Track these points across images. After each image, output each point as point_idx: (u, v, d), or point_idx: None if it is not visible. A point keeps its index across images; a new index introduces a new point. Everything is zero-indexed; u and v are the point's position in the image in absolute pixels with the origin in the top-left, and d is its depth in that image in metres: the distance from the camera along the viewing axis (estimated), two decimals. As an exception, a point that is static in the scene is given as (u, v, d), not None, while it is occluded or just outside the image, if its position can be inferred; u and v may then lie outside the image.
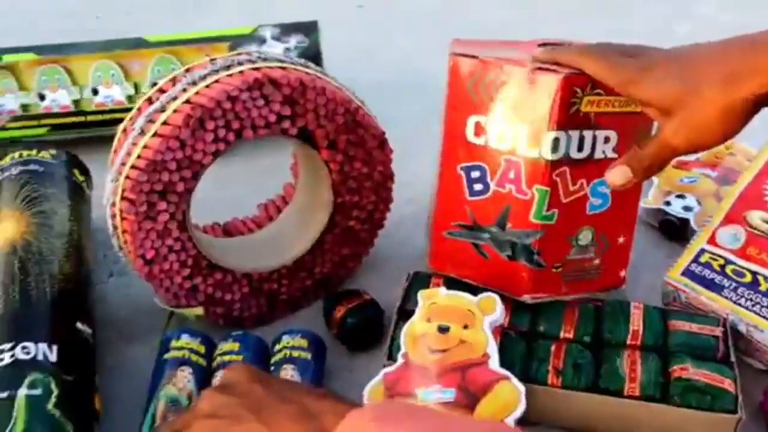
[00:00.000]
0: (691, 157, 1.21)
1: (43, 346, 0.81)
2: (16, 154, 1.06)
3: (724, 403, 0.84)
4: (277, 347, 0.89)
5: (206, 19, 1.68)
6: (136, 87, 1.27)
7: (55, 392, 0.78)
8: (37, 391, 0.77)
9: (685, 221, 1.11)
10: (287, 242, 0.99)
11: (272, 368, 0.87)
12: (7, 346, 0.81)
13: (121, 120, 1.06)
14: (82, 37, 1.31)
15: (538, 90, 0.86)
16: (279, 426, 0.65)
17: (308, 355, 0.88)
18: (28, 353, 0.80)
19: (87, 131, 1.27)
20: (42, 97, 1.26)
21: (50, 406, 0.77)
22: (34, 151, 1.07)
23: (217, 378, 0.85)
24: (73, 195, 1.04)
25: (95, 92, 1.26)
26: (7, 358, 0.80)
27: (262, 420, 0.66)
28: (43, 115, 1.26)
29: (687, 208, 1.13)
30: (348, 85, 0.95)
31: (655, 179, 1.18)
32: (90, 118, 1.27)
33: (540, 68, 0.86)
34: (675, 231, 1.11)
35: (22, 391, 0.77)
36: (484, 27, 1.11)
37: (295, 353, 0.88)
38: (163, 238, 0.87)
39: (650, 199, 1.16)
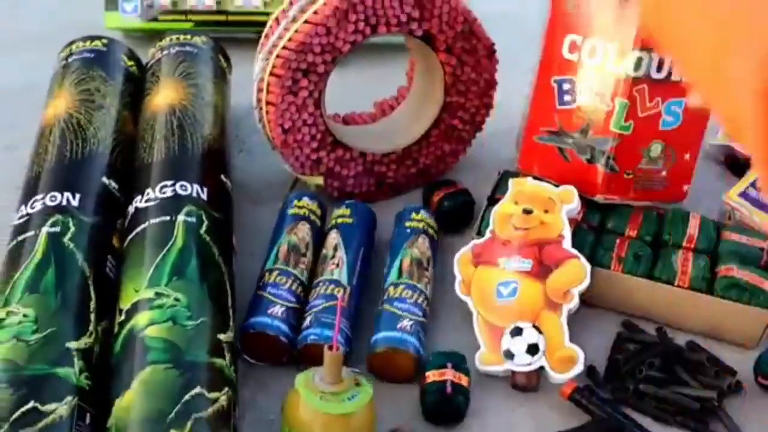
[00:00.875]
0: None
1: (196, 186, 0.99)
2: (174, 37, 1.24)
3: (761, 301, 0.98)
4: (415, 216, 1.05)
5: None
6: (273, -6, 1.43)
7: (206, 223, 0.96)
8: (192, 219, 0.95)
9: (748, 158, 1.23)
10: (399, 132, 1.15)
11: (408, 233, 1.03)
12: (169, 182, 0.99)
13: (256, 23, 1.23)
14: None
15: (629, 13, 1.00)
16: None
17: (435, 236, 1.05)
18: (185, 189, 0.98)
19: (226, 29, 1.44)
20: (190, -5, 1.44)
21: (202, 231, 0.95)
22: (188, 36, 1.25)
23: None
24: (217, 75, 1.22)
25: (240, -5, 1.43)
26: (169, 192, 0.98)
27: None
28: (190, 11, 1.44)
29: (753, 148, 1.25)
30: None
31: (727, 121, 1.31)
32: (230, 17, 1.44)
33: (634, -6, 1.00)
34: (738, 166, 1.24)
35: (181, 217, 0.95)
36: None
37: (431, 230, 1.04)
38: (300, 112, 1.04)
39: (719, 136, 1.28)
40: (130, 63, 1.23)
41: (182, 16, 1.44)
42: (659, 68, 1.02)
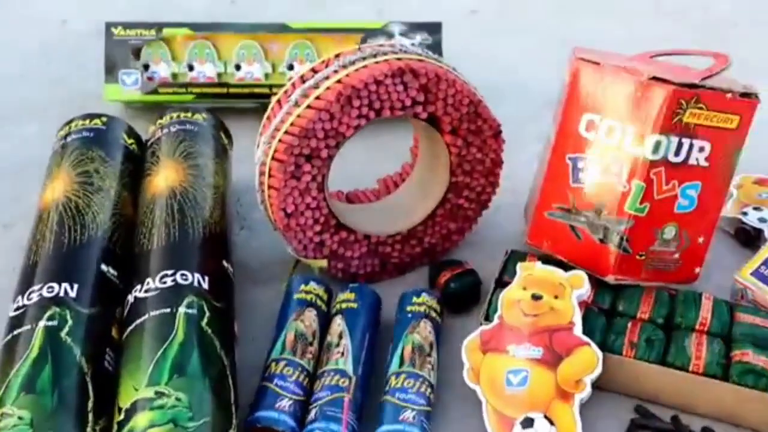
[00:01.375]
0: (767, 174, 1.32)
1: (197, 275, 0.97)
2: (174, 115, 1.23)
3: (779, 387, 0.95)
4: (417, 299, 1.03)
5: (334, 11, 1.81)
6: (274, 67, 1.42)
7: (207, 314, 0.94)
8: (193, 310, 0.93)
9: (759, 231, 1.21)
10: (404, 212, 1.13)
11: (410, 317, 1.01)
12: (170, 272, 0.97)
13: (257, 95, 1.22)
14: (224, 20, 1.47)
15: (649, 97, 0.99)
16: None
17: (438, 318, 1.03)
18: (186, 279, 0.96)
19: (227, 101, 1.43)
20: (191, 68, 1.43)
21: (203, 323, 0.92)
22: (189, 113, 1.23)
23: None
24: (219, 153, 1.20)
25: (238, 68, 1.43)
26: (169, 281, 0.96)
27: None
28: (190, 84, 1.43)
29: (762, 220, 1.23)
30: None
31: (734, 191, 1.29)
32: (231, 90, 1.43)
33: (654, 78, 0.99)
34: (749, 239, 1.22)
35: (182, 309, 0.92)
36: (586, 37, 1.24)
37: (433, 313, 1.02)
38: (303, 196, 1.02)
39: (729, 209, 1.27)
40: (130, 141, 1.22)
41: (183, 88, 1.43)
42: (677, 152, 1.01)
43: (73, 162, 1.13)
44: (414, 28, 1.43)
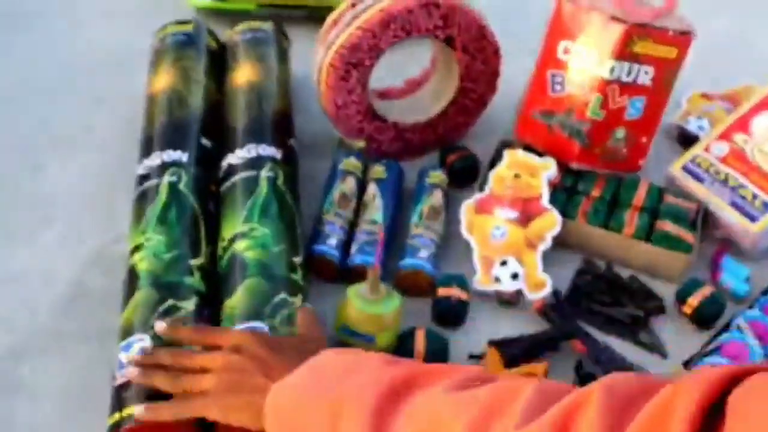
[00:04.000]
0: (716, 92, 1.67)
1: (273, 148, 1.34)
2: (246, 25, 1.57)
3: (684, 248, 1.33)
4: (432, 174, 1.40)
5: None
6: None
7: (281, 176, 1.31)
8: (272, 174, 1.30)
9: (696, 136, 1.57)
10: (424, 108, 1.49)
11: (427, 187, 1.38)
12: (253, 145, 1.33)
13: (308, 6, 1.57)
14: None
15: (609, 31, 1.33)
16: (277, 373, 0.94)
17: (446, 189, 1.40)
18: (264, 150, 1.33)
19: (284, 11, 1.76)
20: (255, -19, 1.76)
21: (279, 183, 1.29)
22: (258, 23, 1.58)
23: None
24: (282, 55, 1.55)
25: (293, -18, 1.76)
26: (253, 152, 1.32)
27: (265, 374, 0.95)
28: (254, -7, 1.77)
29: (700, 127, 1.59)
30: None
31: (683, 103, 1.64)
32: (288, 1, 1.76)
33: (614, 18, 1.33)
34: (687, 142, 1.57)
35: (263, 173, 1.29)
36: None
37: (443, 185, 1.39)
38: (350, 94, 1.38)
39: (676, 117, 1.62)
40: (212, 42, 1.56)
41: (248, -2, 1.76)
42: (628, 74, 1.36)
43: (172, 59, 1.47)
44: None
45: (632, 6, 1.38)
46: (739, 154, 1.44)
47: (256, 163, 1.31)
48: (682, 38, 1.36)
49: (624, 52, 1.34)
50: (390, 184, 1.38)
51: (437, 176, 1.39)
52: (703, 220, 1.40)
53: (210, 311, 1.16)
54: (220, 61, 1.55)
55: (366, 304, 1.16)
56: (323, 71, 1.38)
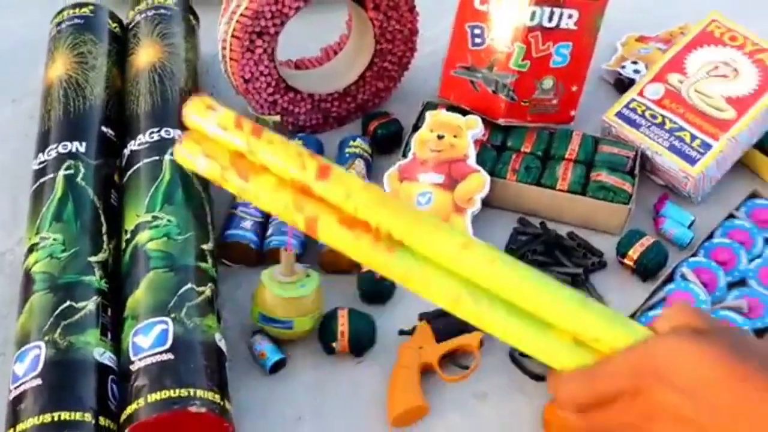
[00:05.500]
0: (652, 33, 1.60)
1: (177, 131, 1.25)
2: (150, 1, 1.48)
3: (623, 198, 1.26)
4: (353, 143, 1.32)
5: None
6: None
7: (187, 159, 1.22)
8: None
9: (633, 80, 1.49)
10: (340, 75, 1.41)
11: (347, 157, 1.30)
12: (156, 129, 1.25)
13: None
14: None
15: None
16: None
17: (369, 158, 1.32)
18: (168, 134, 1.24)
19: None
20: (160, -42, 1.66)
21: (184, 166, 1.21)
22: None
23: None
24: (188, 32, 1.46)
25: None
26: (156, 136, 1.24)
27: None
28: (161, -29, 1.67)
29: (636, 71, 1.51)
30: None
31: (619, 48, 1.57)
32: (196, -24, 1.67)
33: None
34: (624, 87, 1.50)
35: (167, 156, 1.21)
36: None
37: (366, 154, 1.32)
38: (258, 65, 1.30)
39: (611, 62, 1.55)
40: (114, 25, 1.47)
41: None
42: (550, 19, 1.28)
43: (69, 45, 1.38)
44: None
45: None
46: (675, 95, 1.37)
47: (159, 147, 1.22)
48: (604, -21, 1.28)
49: (544, 1, 1.26)
50: (308, 158, 1.30)
51: (357, 145, 1.31)
52: (642, 167, 1.33)
53: (113, 310, 1.08)
54: (123, 44, 1.45)
55: (281, 287, 1.08)
56: (227, 44, 1.30)
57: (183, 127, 1.18)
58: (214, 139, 0.75)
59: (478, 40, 1.33)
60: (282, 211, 0.74)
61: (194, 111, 0.77)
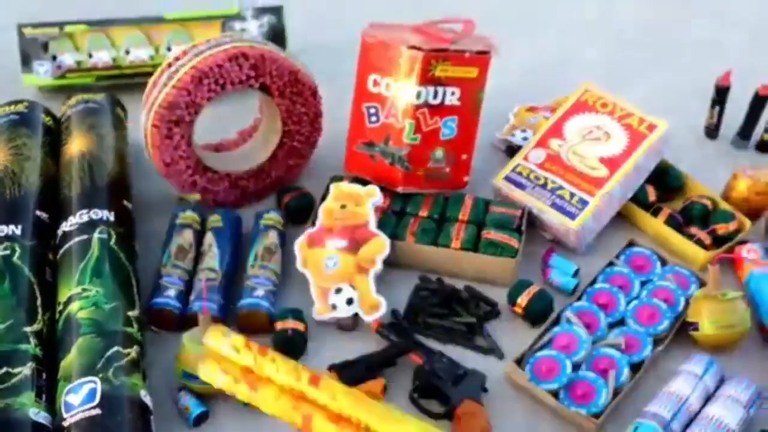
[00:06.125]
0: (541, 104, 1.77)
1: (105, 211, 1.38)
2: (80, 97, 1.62)
3: (510, 252, 1.41)
4: (266, 216, 1.45)
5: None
6: (156, 49, 1.80)
7: (114, 237, 1.35)
8: (104, 235, 1.34)
9: (521, 147, 1.65)
10: (254, 155, 1.55)
11: (262, 228, 1.43)
12: (86, 210, 1.37)
13: (144, 73, 1.61)
14: (116, 14, 1.85)
15: (410, 60, 1.41)
16: None
17: (282, 229, 1.45)
18: (97, 214, 1.37)
19: (121, 80, 1.82)
20: (90, 56, 1.80)
21: (112, 243, 1.34)
22: (92, 95, 1.63)
23: None
24: (117, 124, 1.60)
25: (128, 52, 1.81)
26: (85, 217, 1.36)
27: None
28: (91, 68, 1.81)
29: (525, 139, 1.68)
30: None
31: (511, 117, 1.73)
32: (124, 71, 1.81)
33: (412, 47, 1.41)
34: (514, 154, 1.66)
35: (96, 235, 1.34)
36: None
37: (278, 225, 1.45)
38: (176, 150, 1.44)
39: (504, 131, 1.71)
40: (47, 119, 1.60)
41: (86, 72, 1.81)
42: (435, 97, 1.44)
43: (5, 139, 1.51)
44: (262, 11, 1.83)
45: (433, 33, 1.47)
46: (555, 158, 1.53)
47: (88, 227, 1.35)
48: (480, 58, 1.45)
49: (426, 78, 1.42)
50: (227, 231, 1.43)
51: (270, 218, 1.45)
52: (530, 224, 1.48)
53: (48, 374, 1.19)
54: (57, 136, 1.58)
55: (201, 347, 1.20)
56: (147, 132, 1.43)
57: (111, 209, 1.32)
58: (228, 358, 1.06)
59: (373, 119, 1.49)
60: (283, 412, 1.03)
61: (212, 337, 1.08)
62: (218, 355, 1.03)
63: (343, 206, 1.43)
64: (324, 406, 1.02)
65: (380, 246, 1.39)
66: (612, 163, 1.50)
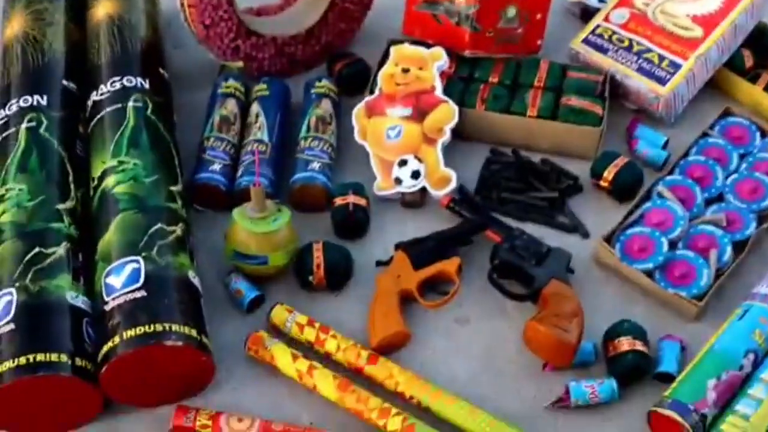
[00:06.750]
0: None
1: (139, 79, 1.23)
2: (104, -44, 1.45)
3: (594, 120, 1.25)
4: (318, 84, 1.30)
5: None
6: None
7: (150, 106, 1.20)
8: (139, 104, 1.20)
9: (597, 9, 1.48)
10: (302, 18, 1.39)
11: (313, 98, 1.28)
12: (117, 78, 1.23)
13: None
14: None
15: None
16: None
17: (336, 97, 1.30)
18: (130, 82, 1.22)
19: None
20: None
21: (149, 113, 1.19)
22: (117, -46, 1.46)
23: None
24: (148, -13, 1.44)
25: None
26: (118, 85, 1.22)
27: None
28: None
29: (602, 1, 1.50)
30: None
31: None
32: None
33: None
34: (590, 17, 1.48)
35: (130, 103, 1.19)
36: None
37: (332, 94, 1.30)
38: (216, 10, 1.28)
39: (575, -6, 1.53)
40: (71, -20, 1.45)
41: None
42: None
43: (23, 4, 1.36)
44: None
45: None
46: (641, 17, 1.36)
47: (121, 95, 1.21)
48: None
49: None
50: (274, 100, 1.29)
51: (323, 85, 1.30)
52: (614, 93, 1.32)
53: (84, 256, 1.06)
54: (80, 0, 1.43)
55: (253, 223, 1.07)
56: (184, -10, 1.27)
57: (146, 77, 1.17)
58: (292, 334, 1.06)
59: (439, -25, 1.32)
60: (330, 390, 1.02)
61: (277, 315, 1.07)
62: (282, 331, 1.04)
63: (405, 70, 1.28)
64: (381, 383, 1.03)
65: (448, 113, 1.24)
66: (707, 23, 1.32)
